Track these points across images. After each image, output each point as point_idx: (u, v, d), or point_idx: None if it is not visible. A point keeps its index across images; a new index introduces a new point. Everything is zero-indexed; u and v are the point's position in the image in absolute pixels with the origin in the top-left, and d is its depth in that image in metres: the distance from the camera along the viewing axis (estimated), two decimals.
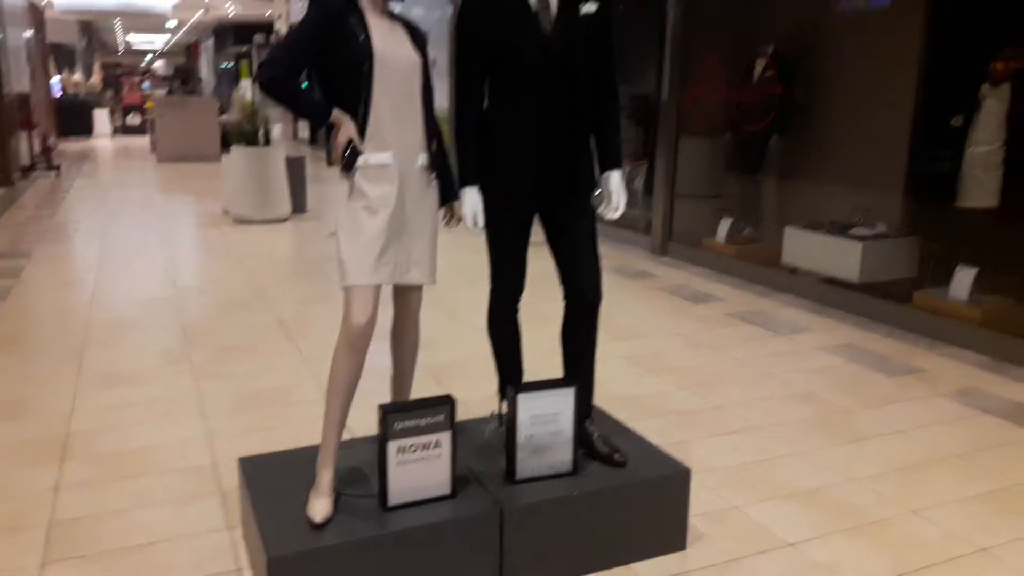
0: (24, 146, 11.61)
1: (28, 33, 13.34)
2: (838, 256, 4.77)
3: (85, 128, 20.12)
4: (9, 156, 10.22)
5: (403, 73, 2.16)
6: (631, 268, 5.78)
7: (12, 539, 2.29)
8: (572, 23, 2.23)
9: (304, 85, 2.17)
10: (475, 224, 2.28)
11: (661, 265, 5.89)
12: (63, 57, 26.90)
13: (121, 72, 26.10)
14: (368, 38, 2.09)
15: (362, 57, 2.08)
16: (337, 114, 2.11)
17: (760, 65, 5.53)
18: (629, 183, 6.90)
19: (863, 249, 4.63)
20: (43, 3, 17.10)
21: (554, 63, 2.22)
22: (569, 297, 2.35)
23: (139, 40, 35.59)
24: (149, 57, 39.98)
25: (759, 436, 2.99)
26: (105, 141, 19.42)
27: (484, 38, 2.24)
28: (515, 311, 2.43)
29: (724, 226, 5.71)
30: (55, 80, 21.71)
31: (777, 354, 3.92)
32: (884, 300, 4.47)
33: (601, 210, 2.36)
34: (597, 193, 2.38)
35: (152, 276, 5.54)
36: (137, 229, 7.47)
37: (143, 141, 18.26)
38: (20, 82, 11.63)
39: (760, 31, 5.72)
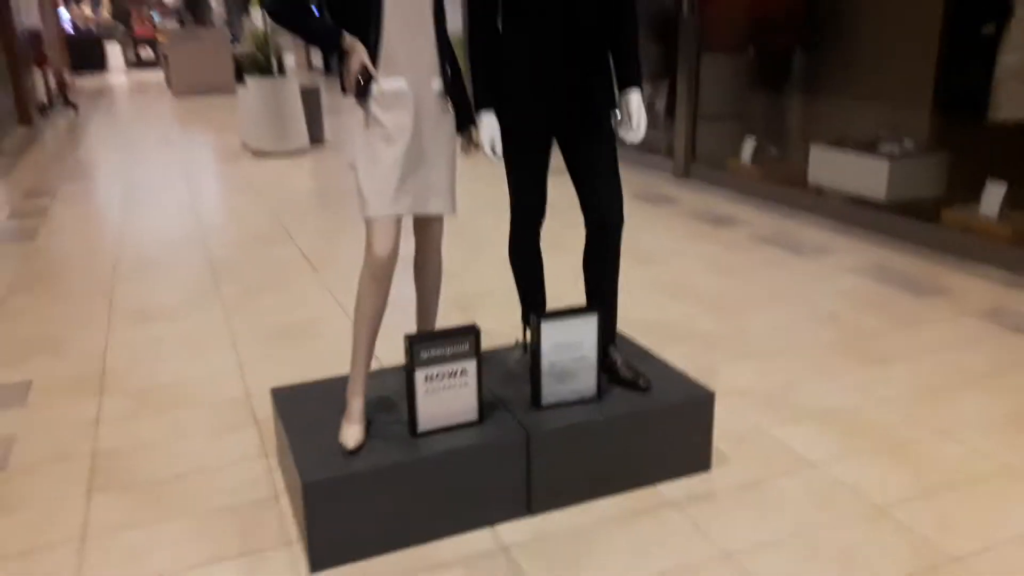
0: (40, 83, 11.56)
1: None
2: (865, 175, 4.68)
3: (98, 63, 19.98)
4: (26, 94, 10.20)
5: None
6: (653, 192, 5.72)
7: (59, 468, 2.38)
8: None
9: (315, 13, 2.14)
10: (493, 151, 2.26)
11: (684, 188, 5.83)
12: None
13: (132, 3, 25.67)
14: None
15: None
16: (348, 40, 2.07)
17: None
18: (650, 105, 6.78)
19: (890, 167, 4.54)
20: None
21: (568, 6, 2.16)
22: (590, 222, 2.34)
23: None
24: None
25: (784, 359, 3.00)
26: (120, 76, 19.30)
27: None
28: (537, 238, 2.42)
29: (748, 146, 5.61)
30: (62, 12, 21.47)
31: (802, 276, 3.90)
32: (912, 219, 4.40)
33: (621, 132, 2.33)
34: (617, 115, 2.35)
35: (176, 212, 5.58)
36: (158, 166, 7.48)
37: (158, 76, 18.12)
38: (29, 16, 11.50)
39: None
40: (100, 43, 20.53)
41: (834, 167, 4.91)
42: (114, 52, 21.77)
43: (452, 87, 2.24)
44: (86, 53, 19.58)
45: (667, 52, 6.60)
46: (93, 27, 23.54)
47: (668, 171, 6.22)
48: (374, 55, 2.08)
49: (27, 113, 10.22)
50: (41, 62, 11.34)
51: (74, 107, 11.76)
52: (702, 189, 5.78)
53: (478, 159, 2.32)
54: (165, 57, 14.75)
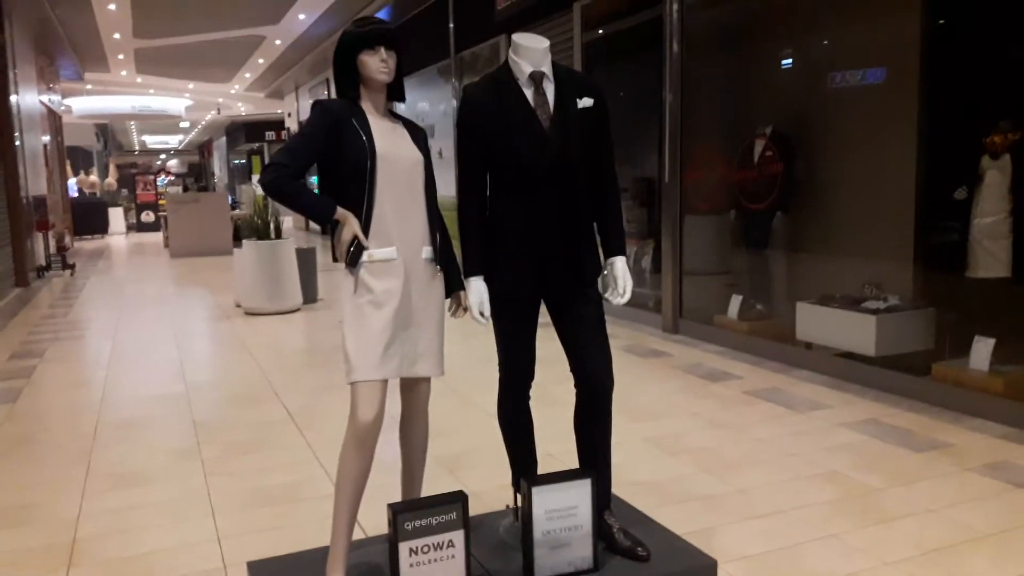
0: (40, 246, 11.81)
1: (46, 138, 13.74)
2: (852, 330, 4.72)
3: (100, 226, 20.55)
4: (25, 257, 10.40)
5: (405, 170, 2.21)
6: (644, 347, 5.73)
7: None
8: (570, 118, 2.28)
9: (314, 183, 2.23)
10: (481, 315, 2.27)
11: (674, 343, 5.85)
12: (81, 158, 27.72)
13: (136, 171, 26.76)
14: (370, 138, 2.16)
15: (365, 156, 2.14)
16: (341, 211, 2.14)
17: (760, 145, 5.60)
18: (637, 261, 6.94)
19: (877, 322, 4.58)
20: (61, 109, 17.71)
21: (553, 158, 2.26)
22: (580, 384, 2.32)
23: (154, 141, 36.72)
24: (163, 156, 41.11)
25: (786, 520, 2.89)
26: (120, 238, 19.78)
27: (484, 134, 2.29)
28: (526, 398, 2.40)
29: (735, 303, 5.69)
30: (72, 181, 22.29)
31: (798, 432, 3.83)
32: (903, 373, 4.40)
33: (608, 295, 2.36)
34: (603, 277, 2.39)
35: (163, 372, 5.53)
36: (149, 324, 7.50)
37: (157, 237, 18.59)
38: (37, 185, 11.92)
39: (757, 113, 5.82)
40: (104, 208, 21.21)
41: (821, 323, 4.96)
42: (117, 216, 22.43)
43: (442, 254, 2.30)
44: (90, 217, 20.19)
45: (650, 213, 6.84)
46: (99, 192, 24.40)
47: (657, 326, 6.27)
48: (366, 226, 2.14)
49: (24, 276, 10.37)
50: (43, 227, 11.63)
51: (71, 268, 11.96)
52: (692, 344, 5.80)
53: (466, 320, 2.33)
54: (165, 219, 15.17)
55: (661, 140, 6.30)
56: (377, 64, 2.20)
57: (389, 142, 2.20)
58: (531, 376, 2.38)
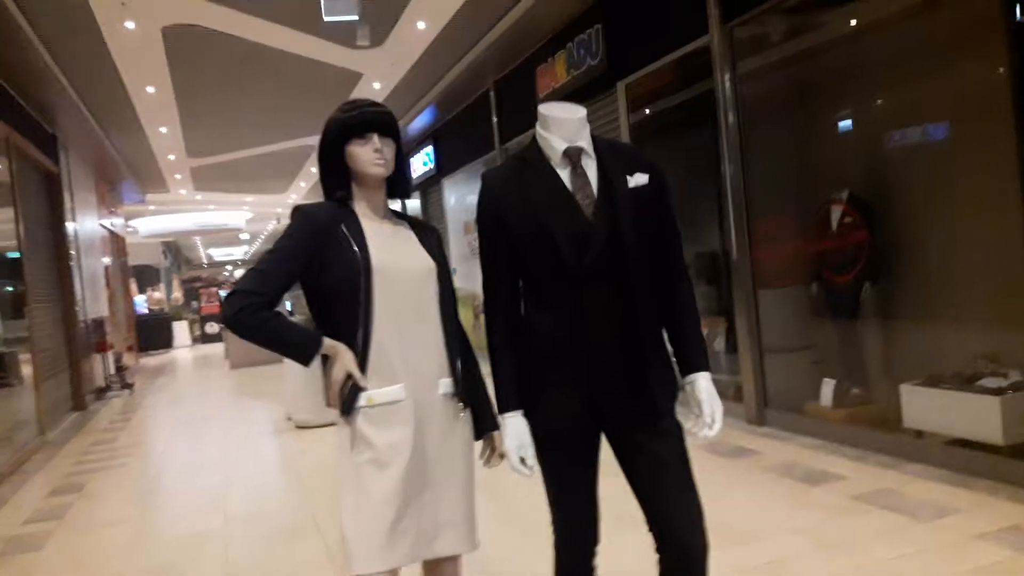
0: (99, 368, 11.80)
1: (107, 259, 13.98)
2: (972, 414, 4.04)
3: (165, 341, 20.84)
4: (82, 380, 10.33)
5: (411, 284, 1.78)
6: (727, 444, 5.10)
7: None
8: (619, 200, 1.80)
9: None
10: (522, 462, 1.77)
11: (761, 437, 5.20)
12: (148, 276, 28.54)
13: (201, 284, 27.39)
14: (364, 248, 1.74)
15: (356, 271, 1.72)
16: (330, 344, 1.70)
17: (837, 212, 5.06)
18: (709, 343, 6.35)
19: (1002, 404, 3.90)
20: (128, 231, 18.24)
21: (601, 252, 1.77)
22: (663, 550, 1.77)
23: (220, 253, 37.85)
24: (229, 268, 42.30)
25: None
26: (185, 352, 19.94)
27: (510, 228, 1.82)
28: (590, 570, 1.85)
29: (827, 387, 5.04)
30: (140, 299, 22.82)
31: (927, 550, 3.16)
32: None
33: (691, 426, 1.82)
34: (681, 400, 1.86)
35: (202, 503, 5.12)
36: (197, 445, 7.18)
37: (220, 348, 18.67)
38: (96, 307, 12.00)
39: (825, 178, 5.32)
40: (169, 323, 21.56)
41: (933, 407, 4.29)
42: (182, 329, 22.76)
43: (466, 385, 1.83)
44: (155, 333, 20.52)
45: (718, 291, 6.31)
46: (165, 308, 24.93)
47: (740, 417, 5.63)
48: (363, 360, 1.70)
49: (81, 400, 10.27)
50: (102, 348, 11.65)
51: (129, 387, 11.90)
52: (782, 437, 5.14)
53: (503, 471, 1.82)
54: (224, 331, 15.20)
55: (722, 213, 5.83)
56: (370, 155, 1.81)
57: (389, 251, 1.79)
58: (595, 539, 1.85)
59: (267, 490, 5.37)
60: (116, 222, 16.03)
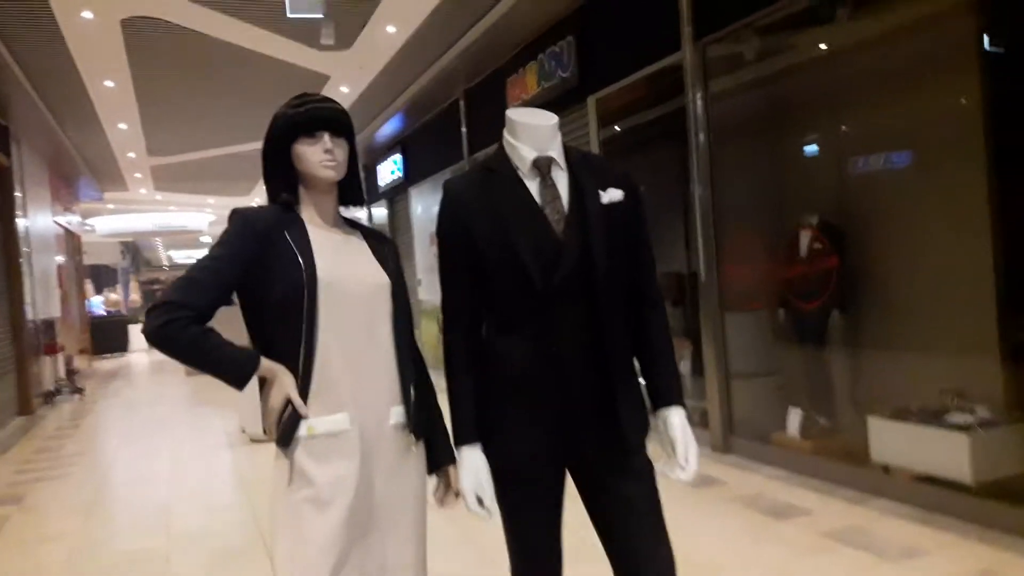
0: (48, 371, 11.39)
1: (60, 258, 13.54)
2: (940, 451, 3.97)
3: (121, 345, 20.26)
4: (29, 383, 9.93)
5: (362, 300, 1.61)
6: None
7: None
8: (591, 217, 1.67)
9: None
10: (479, 502, 1.63)
11: (727, 466, 5.09)
12: (106, 276, 27.87)
13: (160, 286, 26.80)
14: (309, 257, 1.56)
15: (299, 284, 1.54)
16: (268, 365, 1.53)
17: (806, 237, 4.99)
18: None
19: (971, 442, 3.84)
20: (86, 229, 17.76)
21: (570, 272, 1.64)
22: None
23: (181, 256, 37.11)
24: None
25: None
26: (141, 356, 19.43)
27: (473, 244, 1.67)
28: None
29: (794, 416, 4.96)
30: (97, 300, 22.23)
31: None
32: (1012, 506, 3.62)
33: (662, 466, 1.70)
34: (655, 435, 1.73)
35: (146, 519, 4.88)
36: (145, 456, 6.90)
37: None
38: (48, 307, 11.59)
39: (796, 202, 5.26)
40: (125, 325, 20.99)
41: (900, 441, 4.21)
42: (138, 333, 22.18)
43: (419, 415, 1.66)
44: (111, 336, 19.92)
45: (684, 312, 6.22)
46: (122, 310, 24.32)
47: (705, 444, 5.52)
48: (304, 384, 1.53)
49: (28, 403, 9.87)
50: (51, 350, 11.25)
51: (80, 391, 11.52)
52: (747, 467, 5.04)
53: (458, 511, 1.67)
54: None
55: (689, 233, 5.75)
56: (319, 156, 1.63)
57: (338, 262, 1.61)
58: None
59: (214, 508, 5.13)
60: (72, 219, 15.58)
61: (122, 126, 10.68)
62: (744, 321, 5.62)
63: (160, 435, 7.96)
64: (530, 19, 7.08)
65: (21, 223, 9.99)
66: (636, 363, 1.77)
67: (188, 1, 6.16)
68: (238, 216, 1.62)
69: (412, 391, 1.66)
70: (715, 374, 5.48)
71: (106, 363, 18.12)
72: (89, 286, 19.64)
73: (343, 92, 9.46)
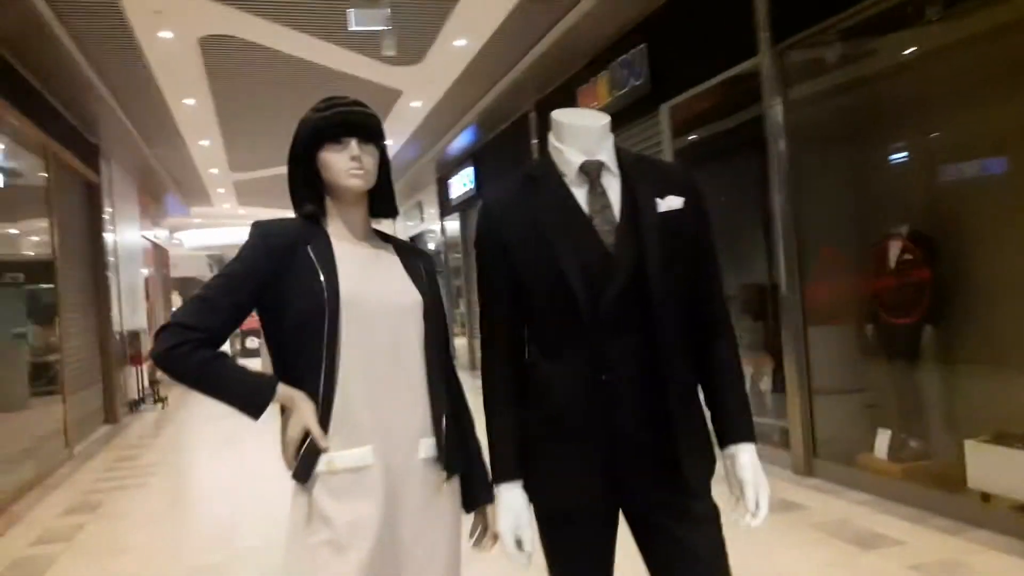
0: (133, 381, 11.78)
1: (147, 271, 14.03)
2: None
3: None
4: (115, 393, 10.27)
5: (390, 321, 1.48)
6: (771, 495, 4.71)
7: None
8: (647, 228, 1.49)
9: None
10: (518, 545, 1.47)
11: (808, 489, 4.80)
12: (193, 288, 28.82)
13: None
14: (332, 274, 1.44)
15: (320, 303, 1.41)
16: (286, 392, 1.42)
17: (895, 248, 4.68)
18: (754, 384, 5.98)
19: None
20: (174, 243, 18.40)
21: (623, 290, 1.47)
22: None
23: None
24: None
25: None
26: None
27: (513, 260, 1.52)
28: None
29: (883, 438, 4.64)
30: None
31: None
32: None
33: (730, 511, 1.52)
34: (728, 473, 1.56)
35: (215, 532, 4.91)
36: (221, 467, 7.01)
37: (258, 363, 18.67)
38: (134, 319, 12.00)
39: (883, 211, 4.95)
40: None
41: (1002, 468, 3.88)
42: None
43: (452, 449, 1.51)
44: None
45: (765, 327, 5.94)
46: None
47: (785, 466, 5.23)
48: (324, 413, 1.41)
49: (114, 412, 10.22)
50: (136, 361, 11.63)
51: (163, 401, 11.85)
52: (831, 491, 4.74)
53: (497, 556, 1.53)
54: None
55: (770, 245, 5.49)
56: (345, 164, 1.51)
57: (364, 279, 1.49)
58: None
59: (282, 521, 5.12)
60: (159, 234, 16.16)
61: (204, 143, 11.00)
62: (828, 336, 5.33)
63: (236, 447, 8.07)
64: (600, 27, 6.95)
65: (109, 237, 10.38)
66: (700, 392, 1.60)
67: (262, 19, 6.26)
68: (257, 229, 1.51)
69: (445, 421, 1.51)
70: (797, 392, 5.20)
71: None
72: (177, 298, 20.34)
73: (415, 107, 9.51)
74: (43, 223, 7.82)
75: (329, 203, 1.57)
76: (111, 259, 10.37)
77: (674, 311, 1.50)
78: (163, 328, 1.43)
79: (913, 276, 4.57)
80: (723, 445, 1.57)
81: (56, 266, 7.83)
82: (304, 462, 1.41)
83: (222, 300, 1.45)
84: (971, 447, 4.03)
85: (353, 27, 5.39)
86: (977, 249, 4.36)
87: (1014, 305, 4.16)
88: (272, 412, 1.53)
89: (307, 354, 1.43)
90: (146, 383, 12.31)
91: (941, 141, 4.65)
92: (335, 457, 1.41)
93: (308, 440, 1.41)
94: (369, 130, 1.55)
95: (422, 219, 16.16)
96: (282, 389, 1.44)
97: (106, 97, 7.94)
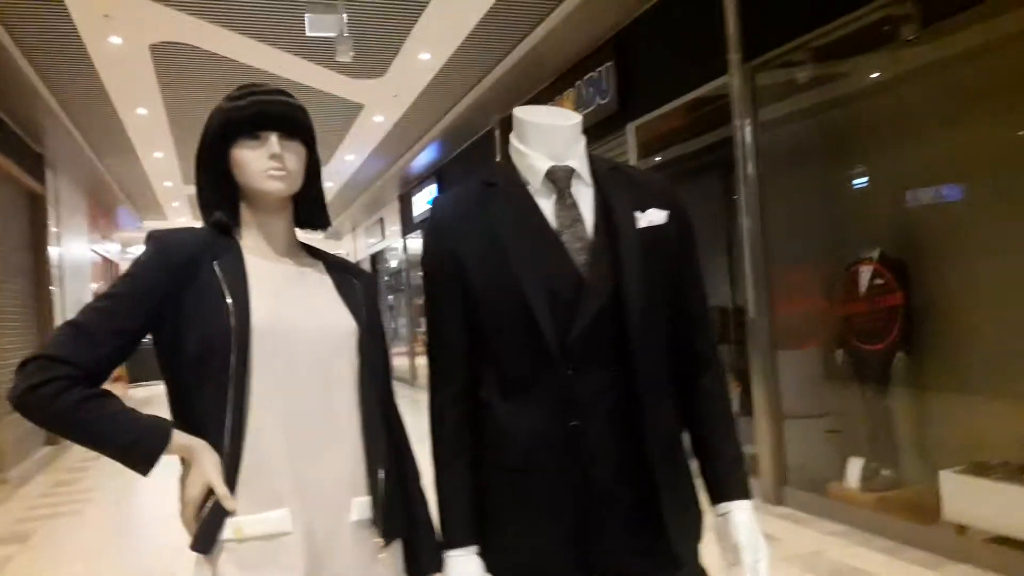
0: None
1: (96, 286, 13.55)
2: (1022, 512, 3.53)
3: (158, 373, 20.21)
4: None
5: (314, 354, 1.23)
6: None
7: None
8: (624, 246, 1.28)
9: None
10: None
11: (779, 520, 4.66)
12: None
13: None
14: (243, 296, 1.19)
15: (225, 332, 1.17)
16: (182, 442, 1.17)
17: (866, 272, 4.60)
18: None
19: None
20: (126, 257, 17.83)
21: (595, 322, 1.25)
22: None
23: None
24: None
25: None
26: None
27: (465, 281, 1.30)
28: None
29: (854, 466, 4.53)
30: None
31: None
32: None
33: None
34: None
35: (155, 566, 4.59)
36: (164, 494, 6.64)
37: None
38: None
39: (852, 235, 4.87)
40: None
41: (978, 499, 3.77)
42: None
43: (392, 509, 1.26)
44: (147, 363, 19.85)
45: (731, 350, 5.83)
46: None
47: (755, 494, 5.08)
48: (231, 467, 1.16)
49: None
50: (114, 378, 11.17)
51: None
52: (802, 520, 4.60)
53: None
54: None
55: (734, 267, 5.40)
56: (263, 163, 1.27)
57: (284, 303, 1.25)
58: None
59: None
60: (110, 248, 15.65)
61: (157, 155, 10.65)
62: (795, 361, 5.23)
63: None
64: (567, 45, 6.84)
65: (54, 251, 9.95)
66: (687, 439, 1.40)
67: (217, 26, 6.02)
68: (152, 241, 1.25)
69: (383, 475, 1.26)
70: (766, 417, 5.07)
71: (141, 391, 18.06)
72: None
73: (377, 121, 9.30)
74: None
75: (244, 210, 1.33)
76: (55, 273, 9.93)
77: (655, 344, 1.31)
78: (25, 362, 1.16)
79: (884, 301, 4.48)
80: (715, 502, 1.37)
81: None
82: (206, 527, 1.16)
83: (103, 327, 1.18)
84: (946, 478, 3.92)
85: (309, 32, 5.19)
86: (950, 274, 4.29)
87: (988, 331, 4.08)
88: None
89: (210, 394, 1.18)
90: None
91: (913, 163, 4.59)
92: (244, 522, 1.16)
93: (211, 501, 1.16)
94: (293, 123, 1.32)
95: (384, 236, 15.91)
96: (178, 437, 1.19)
97: (52, 105, 7.60)
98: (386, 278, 16.60)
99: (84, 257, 12.49)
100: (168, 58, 6.68)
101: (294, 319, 1.24)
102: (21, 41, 6.03)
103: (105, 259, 14.89)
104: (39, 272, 9.51)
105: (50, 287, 9.67)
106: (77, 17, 5.65)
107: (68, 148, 9.46)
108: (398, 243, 14.52)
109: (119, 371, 15.89)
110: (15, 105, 7.43)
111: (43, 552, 5.05)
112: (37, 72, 6.73)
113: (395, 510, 1.28)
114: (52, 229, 9.90)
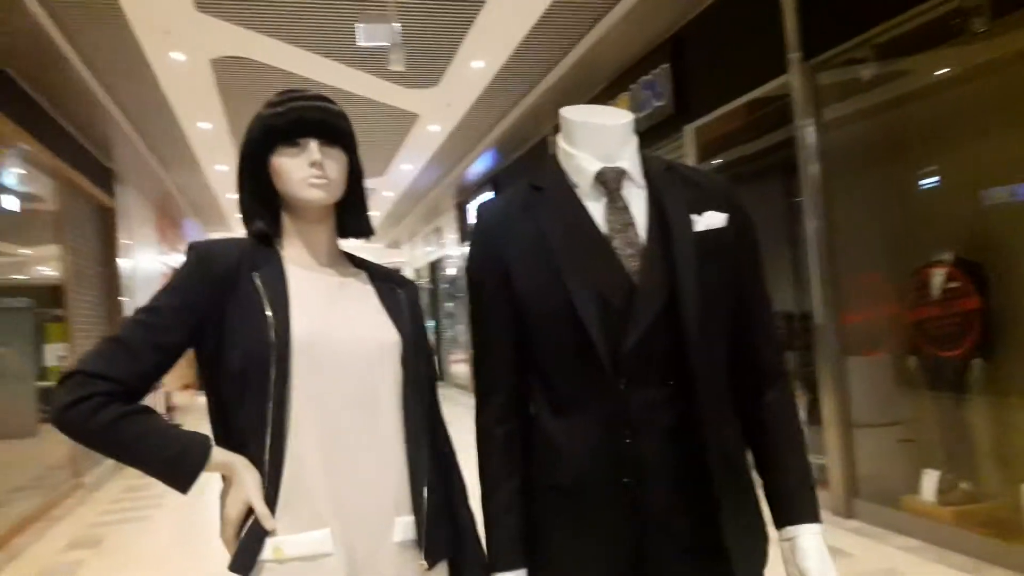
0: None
1: None
2: None
3: None
4: None
5: (356, 367, 1.19)
6: None
7: None
8: (680, 251, 1.20)
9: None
10: None
11: (850, 535, 4.48)
12: None
13: None
14: (284, 309, 1.16)
15: (265, 346, 1.13)
16: (223, 458, 1.14)
17: (939, 276, 4.40)
18: None
19: None
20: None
21: (649, 334, 1.18)
22: None
23: None
24: None
25: None
26: None
27: (511, 291, 1.24)
28: None
29: (930, 479, 4.33)
30: None
31: None
32: None
33: None
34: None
35: (217, 569, 4.66)
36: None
37: None
38: None
39: (922, 237, 4.67)
40: None
41: None
42: None
43: (437, 529, 1.21)
44: None
45: (797, 358, 5.65)
46: None
47: (825, 507, 4.89)
48: (272, 486, 1.13)
49: None
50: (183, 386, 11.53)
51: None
52: (875, 535, 4.41)
53: None
54: None
55: (799, 272, 5.23)
56: (303, 171, 1.25)
57: (326, 316, 1.22)
58: None
59: None
60: (178, 259, 16.13)
61: (221, 168, 10.90)
62: (865, 368, 5.03)
63: None
64: (621, 48, 6.76)
65: (126, 263, 10.27)
66: (746, 462, 1.31)
67: (274, 39, 6.12)
68: (195, 251, 1.25)
69: (427, 494, 1.21)
70: (836, 426, 4.89)
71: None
72: None
73: (433, 131, 9.35)
74: (55, 248, 7.70)
75: (285, 220, 1.31)
76: (127, 284, 10.25)
77: (715, 356, 1.23)
78: (64, 377, 1.14)
79: (959, 306, 4.28)
80: (780, 525, 1.28)
81: (67, 290, 7.70)
82: (245, 547, 1.12)
83: (143, 341, 1.16)
84: None
85: (361, 43, 5.22)
86: None
87: None
88: None
89: (250, 410, 1.15)
90: (163, 409, 12.16)
91: (986, 161, 4.37)
92: (284, 542, 1.12)
93: (251, 519, 1.13)
94: (334, 130, 1.28)
95: (442, 245, 16.00)
96: (218, 454, 1.16)
97: (119, 120, 7.84)
98: (445, 286, 16.70)
99: (153, 268, 12.88)
100: (229, 72, 6.83)
101: (335, 332, 1.20)
102: (90, 61, 6.24)
103: (173, 270, 15.35)
104: (111, 283, 9.82)
105: (121, 298, 9.98)
106: (140, 34, 5.81)
107: (136, 162, 9.76)
108: (456, 251, 14.59)
109: (188, 380, 16.34)
110: (85, 122, 7.69)
111: (113, 558, 5.18)
112: (105, 89, 6.95)
113: (440, 531, 1.24)
114: (123, 241, 10.22)
